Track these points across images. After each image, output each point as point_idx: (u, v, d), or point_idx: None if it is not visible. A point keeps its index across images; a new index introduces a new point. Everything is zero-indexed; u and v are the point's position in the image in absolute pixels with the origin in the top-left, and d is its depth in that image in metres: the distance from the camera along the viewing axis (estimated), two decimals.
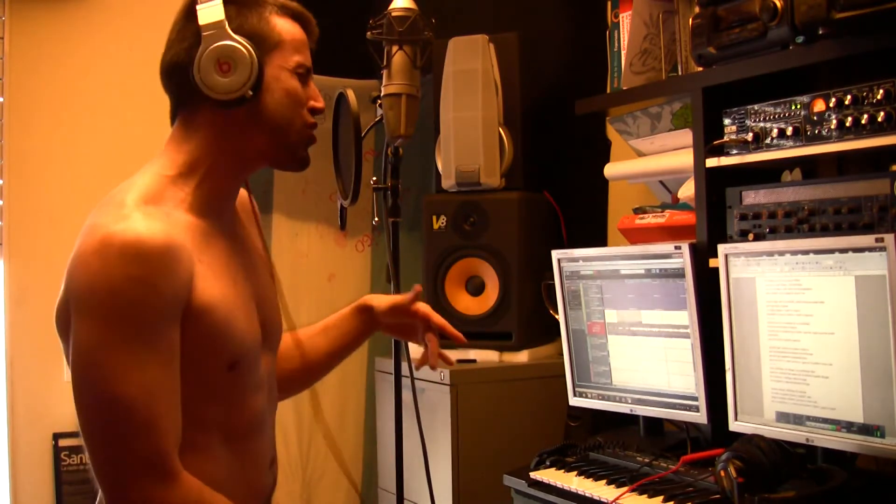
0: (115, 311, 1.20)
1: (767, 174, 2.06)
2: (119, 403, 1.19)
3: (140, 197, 1.29)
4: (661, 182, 2.50)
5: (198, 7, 1.33)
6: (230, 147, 1.37)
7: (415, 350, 2.75)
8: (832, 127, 1.77)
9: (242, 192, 1.52)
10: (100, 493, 1.27)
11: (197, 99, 1.34)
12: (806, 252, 1.77)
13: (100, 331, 1.20)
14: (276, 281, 1.57)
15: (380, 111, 2.03)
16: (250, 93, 1.33)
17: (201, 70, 1.31)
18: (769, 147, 1.90)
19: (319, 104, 1.44)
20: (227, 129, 1.36)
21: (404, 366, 2.03)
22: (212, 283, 1.31)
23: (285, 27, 1.39)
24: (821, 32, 1.77)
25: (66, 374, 1.28)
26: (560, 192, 2.83)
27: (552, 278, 2.39)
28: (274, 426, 1.51)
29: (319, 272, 3.17)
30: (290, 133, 1.41)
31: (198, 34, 1.32)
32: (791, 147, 1.85)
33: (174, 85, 1.38)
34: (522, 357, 2.65)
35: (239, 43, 1.32)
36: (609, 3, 2.50)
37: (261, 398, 1.42)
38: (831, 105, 1.77)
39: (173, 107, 1.41)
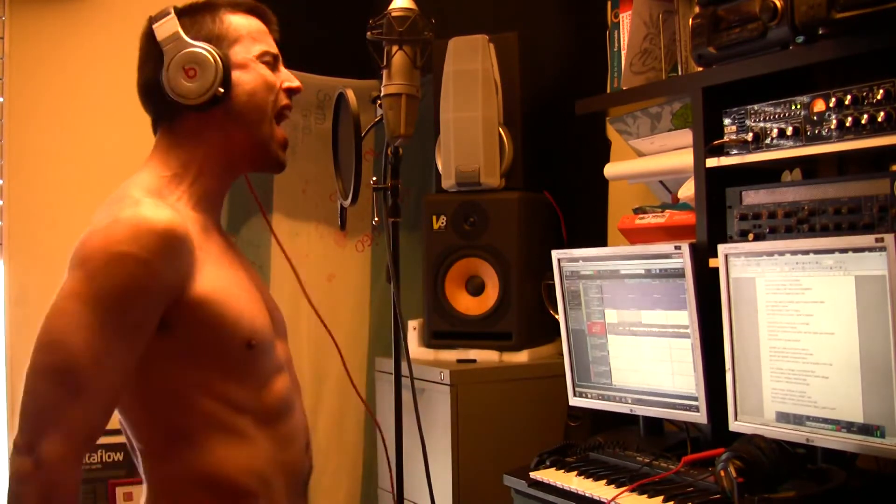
0: (103, 274, 1.23)
1: (767, 174, 2.06)
2: (64, 354, 1.21)
3: (145, 190, 1.34)
4: (661, 182, 2.50)
5: (153, 26, 1.40)
6: (214, 149, 1.43)
7: (415, 350, 2.76)
8: (832, 127, 1.77)
9: None
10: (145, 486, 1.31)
11: (174, 109, 1.40)
12: (806, 252, 1.77)
13: (80, 285, 1.23)
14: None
15: (380, 111, 2.02)
16: (221, 90, 1.37)
17: (170, 80, 1.37)
18: (769, 147, 1.90)
19: (294, 84, 1.49)
20: (208, 131, 1.42)
21: (404, 366, 2.03)
22: (213, 270, 1.35)
23: (240, 22, 1.44)
24: (821, 32, 1.77)
25: None
26: (560, 192, 2.83)
27: (552, 278, 2.39)
28: (304, 411, 1.53)
29: (319, 272, 3.17)
30: (265, 122, 1.44)
31: (160, 51, 1.38)
32: (791, 147, 1.85)
33: (151, 103, 1.44)
34: (522, 357, 2.65)
35: (198, 47, 1.37)
36: (609, 3, 2.50)
37: (284, 381, 1.45)
38: (831, 105, 1.77)
39: (154, 122, 1.46)
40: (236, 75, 1.40)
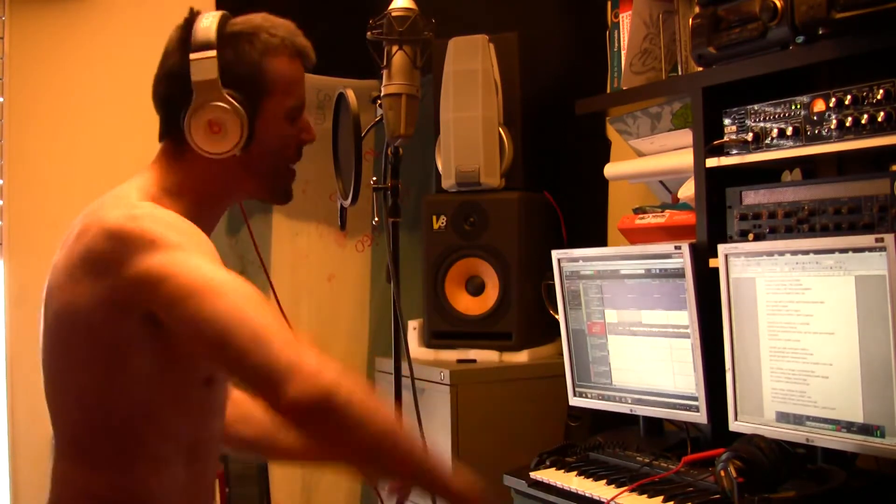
0: (178, 233, 1.22)
1: (767, 174, 2.06)
2: (248, 291, 1.18)
3: (143, 195, 1.31)
4: (661, 182, 2.50)
5: (191, 57, 1.30)
6: (216, 188, 1.38)
7: (415, 350, 2.76)
8: (832, 127, 1.77)
9: None
10: (49, 495, 1.26)
11: (186, 140, 1.33)
12: (806, 252, 1.77)
13: (174, 251, 1.19)
14: None
15: (380, 111, 2.02)
16: (239, 153, 1.33)
17: (192, 127, 1.31)
18: (769, 147, 1.90)
19: (310, 137, 1.43)
20: (213, 173, 1.36)
21: (404, 366, 2.03)
22: None
23: (280, 69, 1.36)
24: (821, 32, 1.77)
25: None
26: (560, 192, 2.82)
27: (552, 278, 2.39)
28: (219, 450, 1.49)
29: (319, 272, 3.17)
30: (278, 178, 1.42)
31: (186, 76, 1.30)
32: (791, 147, 1.85)
33: (164, 116, 1.38)
34: (522, 357, 2.65)
35: (230, 105, 1.30)
36: (609, 3, 2.50)
37: (219, 423, 1.42)
38: (831, 105, 1.77)
39: (162, 130, 1.40)
40: (259, 128, 1.34)
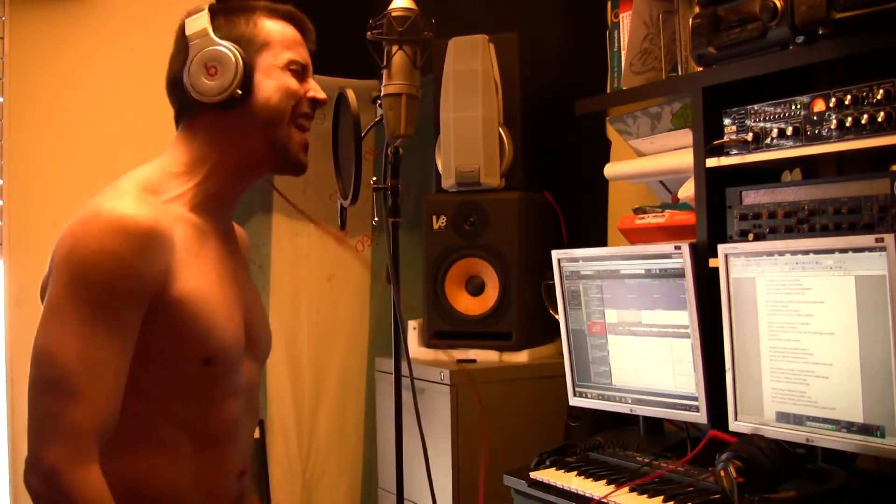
0: (83, 277, 1.22)
1: (767, 174, 2.06)
2: (56, 365, 1.21)
3: (138, 184, 1.33)
4: (661, 182, 2.50)
5: (185, 20, 1.40)
6: (230, 149, 1.41)
7: (415, 350, 2.76)
8: (832, 127, 1.77)
9: (241, 230, 1.59)
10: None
11: (195, 106, 1.39)
12: (806, 252, 1.77)
13: (64, 292, 1.23)
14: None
15: (380, 111, 2.02)
16: (239, 92, 1.36)
17: (191, 76, 1.37)
18: (769, 147, 1.90)
19: (320, 95, 1.46)
20: (225, 131, 1.40)
21: (404, 366, 2.03)
22: (195, 275, 1.32)
23: (274, 27, 1.43)
24: (821, 32, 1.77)
25: None
26: (560, 192, 2.82)
27: (552, 278, 2.39)
28: (251, 439, 1.50)
29: (319, 272, 3.17)
30: (282, 126, 1.43)
31: (188, 46, 1.38)
32: (791, 147, 1.85)
33: (175, 96, 1.43)
34: (522, 357, 2.65)
35: (223, 46, 1.37)
36: (609, 3, 2.50)
37: (236, 405, 1.41)
38: (831, 105, 1.77)
39: (176, 115, 1.45)
40: (258, 79, 1.39)
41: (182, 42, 1.40)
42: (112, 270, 1.22)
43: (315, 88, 1.46)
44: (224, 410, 1.38)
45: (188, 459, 1.33)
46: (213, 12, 1.40)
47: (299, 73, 1.44)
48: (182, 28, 1.40)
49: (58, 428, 1.20)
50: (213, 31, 1.38)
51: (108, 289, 1.23)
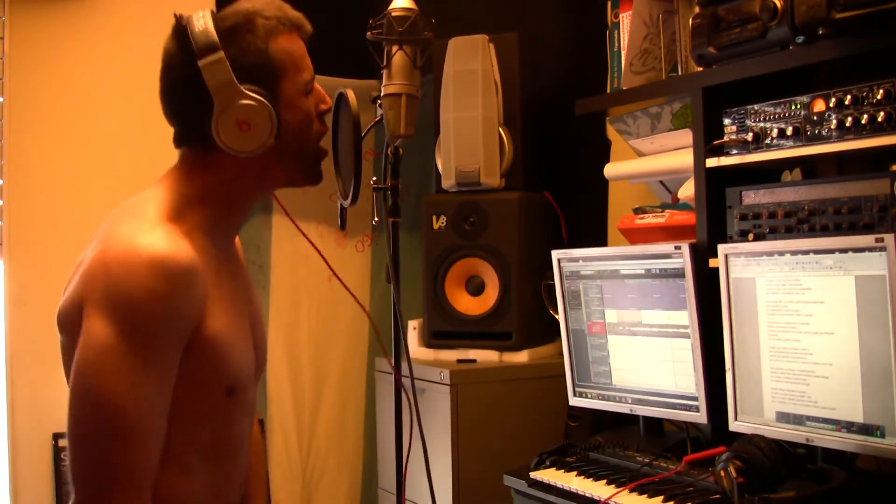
0: (132, 320, 1.20)
1: (767, 174, 2.06)
2: (112, 411, 1.19)
3: (164, 213, 1.29)
4: (661, 182, 2.50)
5: (200, 64, 1.29)
6: (250, 180, 1.39)
7: (415, 350, 2.76)
8: (832, 127, 1.77)
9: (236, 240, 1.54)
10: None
11: (212, 142, 1.32)
12: (806, 252, 1.77)
13: (112, 335, 1.20)
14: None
15: (380, 111, 2.02)
16: (273, 140, 1.33)
17: (221, 133, 1.30)
18: (769, 147, 1.90)
19: (325, 105, 1.44)
20: (247, 168, 1.37)
21: (404, 366, 2.03)
22: (221, 310, 1.32)
23: (283, 48, 1.35)
24: (821, 32, 1.77)
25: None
26: (560, 192, 2.83)
27: (552, 278, 2.39)
28: (248, 447, 1.50)
29: (319, 272, 3.16)
30: (308, 154, 1.42)
31: (198, 77, 1.29)
32: (791, 147, 1.85)
33: (181, 126, 1.37)
34: (522, 357, 2.65)
35: (254, 101, 1.30)
36: (609, 3, 2.50)
37: (246, 421, 1.43)
38: (831, 105, 1.77)
39: (180, 139, 1.39)
40: (284, 116, 1.34)
41: (191, 70, 1.29)
42: (160, 312, 1.21)
43: (321, 98, 1.43)
44: (235, 433, 1.40)
45: (202, 474, 1.34)
46: (223, 39, 1.29)
47: (312, 87, 1.41)
48: (187, 59, 1.30)
49: (120, 473, 1.20)
50: (232, 67, 1.29)
51: (158, 332, 1.22)
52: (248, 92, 1.30)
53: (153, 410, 1.23)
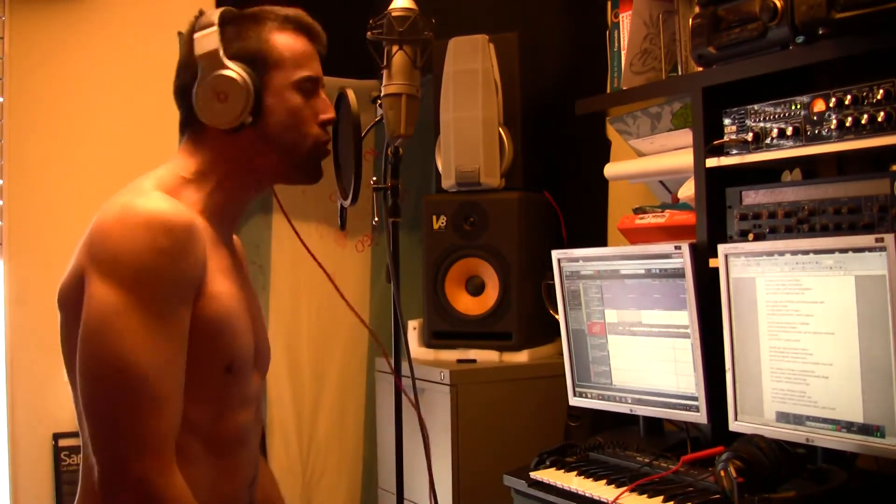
0: (137, 278, 1.19)
1: (767, 174, 2.06)
2: (130, 373, 1.18)
3: (159, 186, 1.31)
4: (661, 182, 2.50)
5: (195, 35, 1.35)
6: (239, 166, 1.40)
7: (415, 350, 2.76)
8: (832, 127, 1.77)
9: (236, 238, 1.55)
10: (79, 486, 1.25)
11: (204, 123, 1.36)
12: (806, 252, 1.77)
13: (119, 297, 1.18)
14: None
15: (380, 111, 2.02)
16: (250, 118, 1.35)
17: (199, 100, 1.34)
18: (769, 147, 1.90)
19: (328, 115, 1.45)
20: (234, 150, 1.39)
21: (404, 366, 2.03)
22: (222, 277, 1.32)
23: (286, 42, 1.39)
24: (821, 32, 1.77)
25: (66, 373, 1.27)
26: (560, 192, 2.83)
27: (552, 278, 2.39)
28: (258, 448, 1.49)
29: (319, 272, 3.16)
30: (300, 151, 1.42)
31: (197, 62, 1.35)
32: (791, 147, 1.85)
33: (182, 107, 1.41)
34: (522, 357, 2.65)
35: (234, 71, 1.33)
36: (609, 3, 2.50)
37: (248, 414, 1.41)
38: (831, 105, 1.77)
39: (183, 123, 1.43)
40: (268, 102, 1.37)
41: (191, 54, 1.36)
42: (164, 268, 1.20)
43: (324, 108, 1.44)
44: (237, 418, 1.38)
45: (204, 468, 1.32)
46: (223, 22, 1.35)
47: (311, 90, 1.42)
48: (191, 40, 1.36)
49: (144, 438, 1.18)
50: (224, 45, 1.34)
51: (164, 288, 1.21)
52: (229, 64, 1.33)
53: (170, 371, 1.21)
